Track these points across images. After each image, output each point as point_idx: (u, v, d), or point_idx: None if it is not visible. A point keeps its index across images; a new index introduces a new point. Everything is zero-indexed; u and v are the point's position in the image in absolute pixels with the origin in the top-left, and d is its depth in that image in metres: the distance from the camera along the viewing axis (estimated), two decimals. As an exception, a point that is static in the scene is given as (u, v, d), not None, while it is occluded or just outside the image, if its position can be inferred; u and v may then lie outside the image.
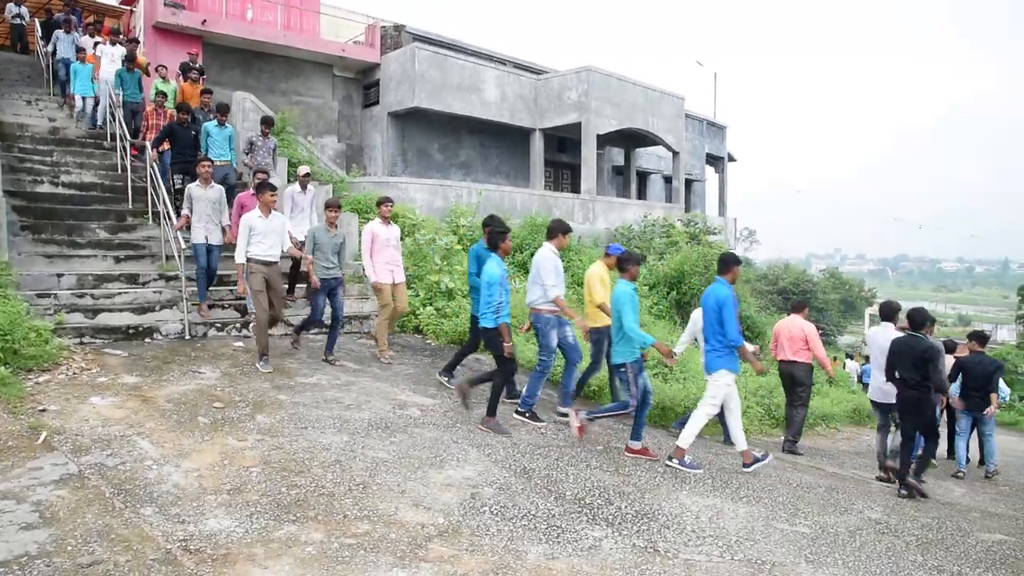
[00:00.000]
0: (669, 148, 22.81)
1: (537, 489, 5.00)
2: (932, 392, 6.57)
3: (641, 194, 26.41)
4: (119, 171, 10.79)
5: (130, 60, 12.41)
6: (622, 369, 6.29)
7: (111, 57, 12.70)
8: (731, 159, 30.97)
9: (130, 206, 10.19)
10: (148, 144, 10.48)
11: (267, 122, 10.83)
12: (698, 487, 5.68)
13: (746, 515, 5.14)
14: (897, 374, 6.71)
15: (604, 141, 22.05)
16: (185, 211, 8.48)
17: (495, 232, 6.67)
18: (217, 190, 8.64)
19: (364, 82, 19.47)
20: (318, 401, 6.44)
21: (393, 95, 18.39)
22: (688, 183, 27.37)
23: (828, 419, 11.75)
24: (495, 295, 6.23)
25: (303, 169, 9.54)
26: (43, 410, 5.42)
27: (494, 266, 6.33)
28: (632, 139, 23.09)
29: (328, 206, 8.06)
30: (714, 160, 29.90)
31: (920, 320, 6.88)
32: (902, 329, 7.13)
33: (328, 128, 18.79)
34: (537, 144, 20.48)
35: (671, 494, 5.36)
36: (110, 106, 11.72)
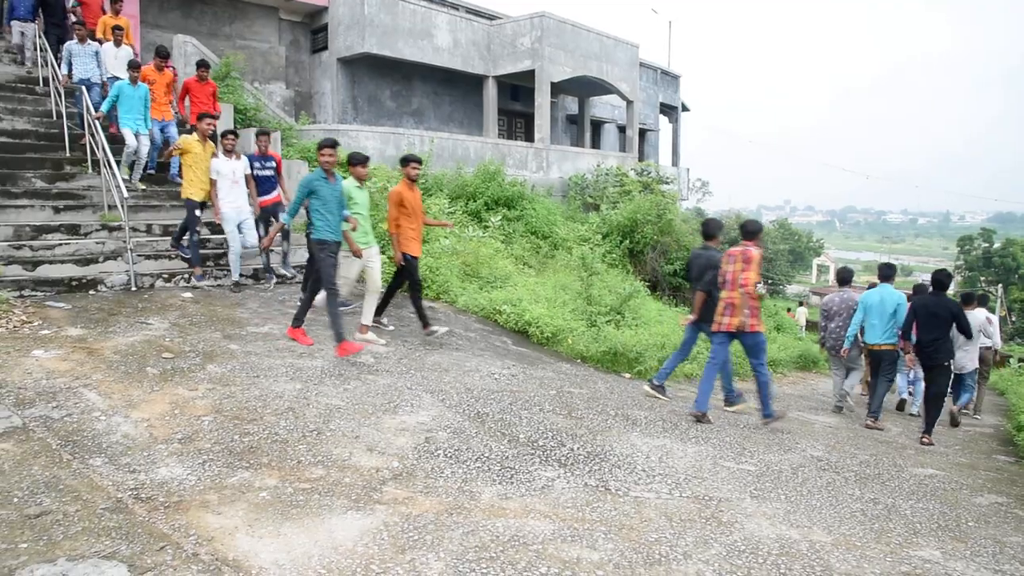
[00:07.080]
0: (623, 97, 22.72)
1: (491, 432, 5.07)
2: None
3: (595, 143, 26.33)
4: (54, 117, 10.31)
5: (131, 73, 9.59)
6: None
7: (115, 56, 10.45)
8: (685, 109, 30.99)
9: (67, 154, 9.76)
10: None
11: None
12: (649, 429, 5.82)
13: (695, 454, 5.30)
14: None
15: (558, 89, 21.84)
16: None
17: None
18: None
19: (312, 26, 18.84)
20: (270, 350, 6.38)
21: (342, 40, 17.85)
22: (642, 132, 27.36)
23: (776, 364, 12.13)
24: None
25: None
26: (-18, 363, 5.27)
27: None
28: (586, 87, 22.89)
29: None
30: (668, 110, 29.89)
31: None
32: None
33: (275, 74, 18.19)
34: (490, 91, 20.18)
35: (622, 436, 5.48)
36: (42, 47, 11.03)
